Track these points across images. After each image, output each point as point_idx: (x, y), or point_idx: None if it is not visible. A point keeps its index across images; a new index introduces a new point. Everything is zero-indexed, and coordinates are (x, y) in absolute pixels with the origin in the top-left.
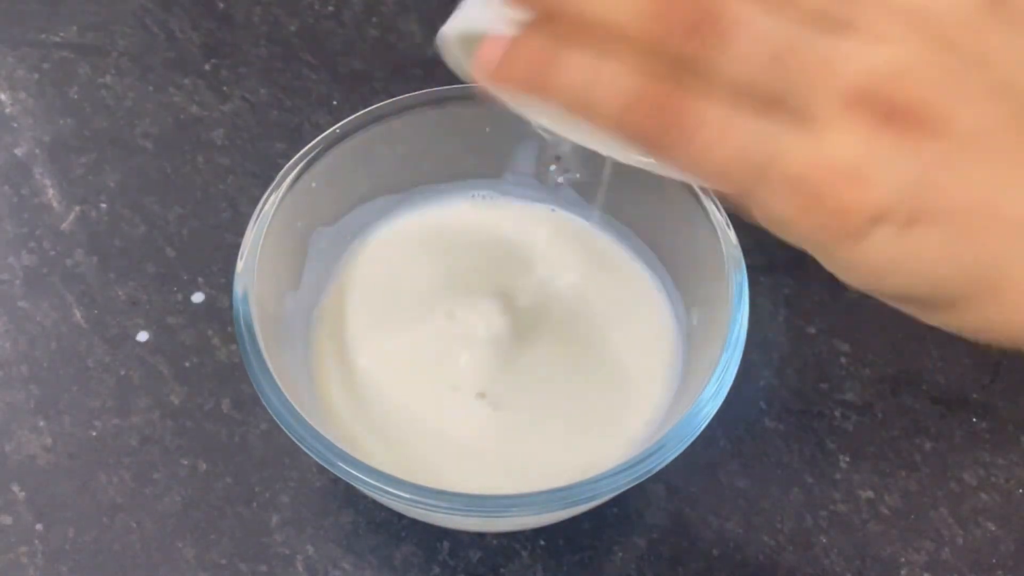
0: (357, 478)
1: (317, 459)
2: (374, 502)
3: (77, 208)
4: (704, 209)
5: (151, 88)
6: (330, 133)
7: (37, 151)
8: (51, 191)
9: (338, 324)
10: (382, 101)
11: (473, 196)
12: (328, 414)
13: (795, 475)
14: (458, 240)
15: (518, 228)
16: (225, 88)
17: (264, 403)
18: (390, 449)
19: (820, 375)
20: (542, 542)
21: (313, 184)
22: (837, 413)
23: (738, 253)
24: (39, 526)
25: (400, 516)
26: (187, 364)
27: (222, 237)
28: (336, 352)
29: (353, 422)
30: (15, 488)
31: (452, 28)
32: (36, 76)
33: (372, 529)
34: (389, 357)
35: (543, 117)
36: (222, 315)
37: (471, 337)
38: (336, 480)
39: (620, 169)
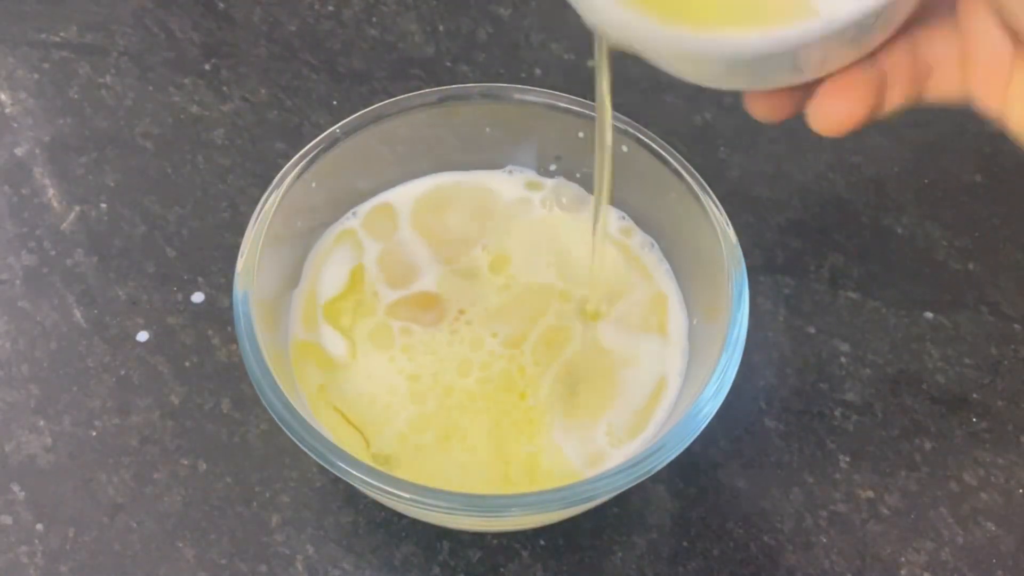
0: (357, 478)
1: (317, 459)
2: (374, 502)
3: (77, 208)
4: (704, 209)
5: (151, 88)
6: (330, 133)
7: (37, 151)
8: (51, 191)
9: (312, 318)
10: (382, 101)
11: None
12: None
13: (795, 475)
14: (441, 212)
15: (513, 201)
16: (225, 88)
17: (264, 403)
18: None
19: (820, 375)
20: (542, 542)
21: (313, 184)
22: (837, 413)
23: (738, 253)
24: (39, 526)
25: (400, 516)
26: (187, 364)
27: (222, 237)
28: (313, 345)
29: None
30: (15, 488)
31: None
32: (36, 76)
33: (372, 529)
34: (371, 352)
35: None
36: (222, 315)
37: (458, 330)
38: (336, 480)
39: (620, 169)
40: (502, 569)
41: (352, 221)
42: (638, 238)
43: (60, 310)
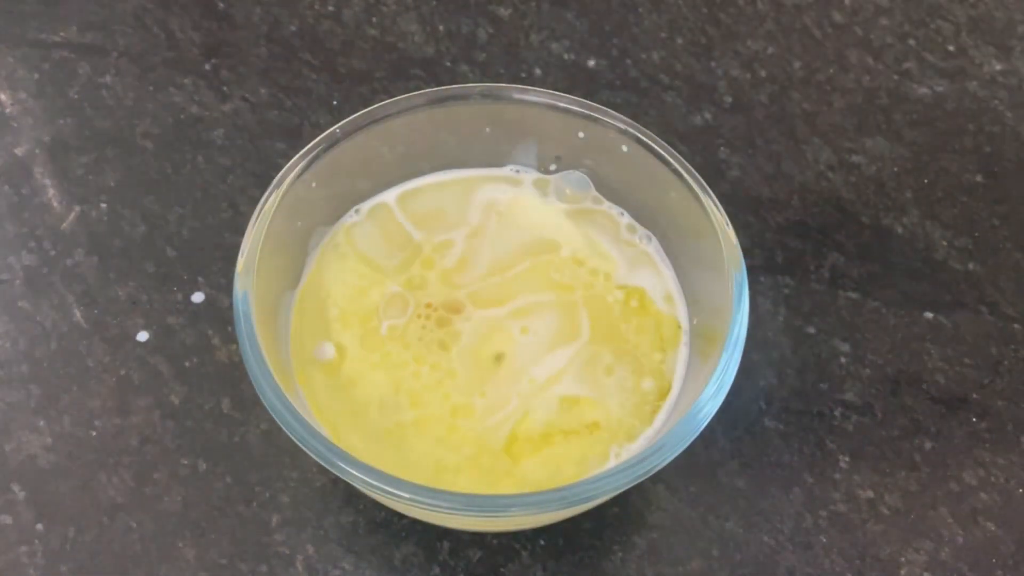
0: (357, 478)
1: (317, 459)
2: (374, 502)
3: (77, 208)
4: (704, 209)
5: (151, 88)
6: (330, 133)
7: (37, 151)
8: (51, 191)
9: (312, 317)
10: (382, 101)
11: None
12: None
13: (795, 475)
14: (443, 210)
15: (514, 195)
16: (225, 88)
17: (264, 403)
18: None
19: (820, 375)
20: (542, 542)
21: (313, 184)
22: (837, 413)
23: (738, 253)
24: (39, 526)
25: (400, 516)
26: (187, 364)
27: (222, 237)
28: (312, 343)
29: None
30: (15, 488)
31: None
32: (36, 76)
33: (372, 529)
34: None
35: None
36: (222, 315)
37: (460, 331)
38: (336, 480)
39: (620, 169)
40: (502, 569)
41: (355, 218)
42: (639, 236)
43: (60, 310)
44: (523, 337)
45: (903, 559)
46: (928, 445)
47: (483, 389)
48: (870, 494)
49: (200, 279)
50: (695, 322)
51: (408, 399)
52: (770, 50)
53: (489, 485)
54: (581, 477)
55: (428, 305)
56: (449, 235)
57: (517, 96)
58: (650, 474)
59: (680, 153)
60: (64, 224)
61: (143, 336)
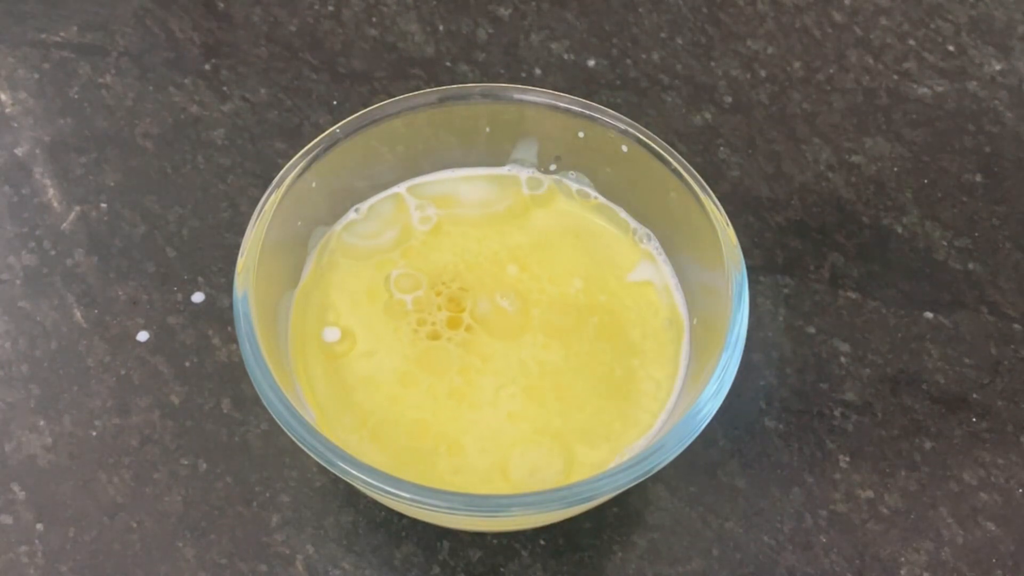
0: (357, 478)
1: (317, 459)
2: (374, 502)
3: (77, 208)
4: (704, 209)
5: (151, 88)
6: (330, 133)
7: (37, 151)
8: (51, 191)
9: (312, 317)
10: (382, 101)
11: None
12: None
13: (795, 475)
14: (443, 209)
15: (515, 196)
16: (225, 88)
17: (264, 403)
18: (375, 443)
19: (820, 375)
20: (542, 542)
21: (313, 184)
22: (837, 413)
23: (738, 253)
24: (39, 526)
25: (400, 516)
26: (187, 364)
27: (222, 237)
28: (314, 343)
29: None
30: (15, 488)
31: None
32: (36, 76)
33: (372, 529)
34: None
35: None
36: (222, 315)
37: (461, 332)
38: (336, 480)
39: (620, 169)
40: (502, 569)
41: (355, 218)
42: (639, 235)
43: (60, 310)
44: (522, 336)
45: (903, 559)
46: (928, 445)
47: (484, 384)
48: (870, 494)
49: (200, 279)
50: (695, 322)
51: (410, 395)
52: (770, 50)
53: (487, 485)
54: (583, 476)
55: (438, 292)
56: (450, 211)
57: (517, 96)
58: (650, 474)
59: (680, 153)
60: (64, 224)
61: (143, 336)
